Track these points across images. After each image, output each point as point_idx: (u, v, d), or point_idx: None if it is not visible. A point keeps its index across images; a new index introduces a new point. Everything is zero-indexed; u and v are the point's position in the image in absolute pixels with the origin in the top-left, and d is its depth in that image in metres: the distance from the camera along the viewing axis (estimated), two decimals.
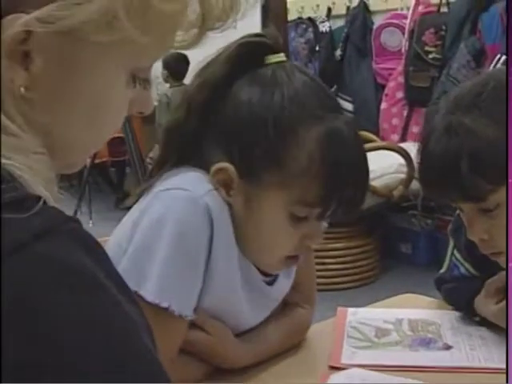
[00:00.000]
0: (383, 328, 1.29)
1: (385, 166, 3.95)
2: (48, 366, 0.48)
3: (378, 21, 4.88)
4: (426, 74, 4.44)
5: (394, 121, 4.69)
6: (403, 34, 4.63)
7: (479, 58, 4.07)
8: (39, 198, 0.53)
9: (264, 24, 4.17)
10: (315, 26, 5.16)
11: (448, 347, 1.21)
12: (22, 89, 0.57)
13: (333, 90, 4.92)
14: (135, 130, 5.10)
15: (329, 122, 1.02)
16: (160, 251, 0.99)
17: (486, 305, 1.24)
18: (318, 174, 1.01)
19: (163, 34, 0.62)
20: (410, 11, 4.57)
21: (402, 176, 3.89)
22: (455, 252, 1.34)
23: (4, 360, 0.47)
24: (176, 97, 5.08)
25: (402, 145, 4.00)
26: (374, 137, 4.33)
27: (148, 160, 4.91)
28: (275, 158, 1.01)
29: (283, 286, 1.19)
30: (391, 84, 4.72)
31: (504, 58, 3.34)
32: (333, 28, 5.13)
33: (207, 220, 1.01)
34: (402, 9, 4.77)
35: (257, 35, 1.07)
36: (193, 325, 1.08)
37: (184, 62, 4.96)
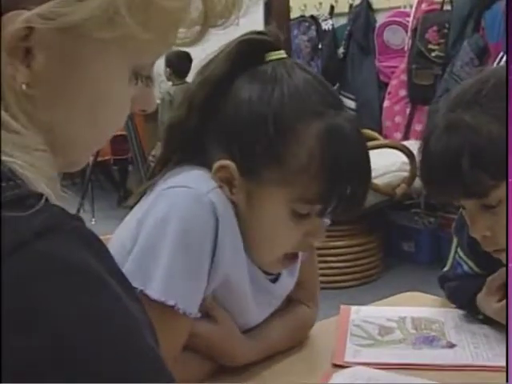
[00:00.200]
0: (386, 326, 1.29)
1: (387, 164, 3.95)
2: (48, 365, 0.48)
3: (380, 19, 4.88)
4: (429, 72, 4.44)
5: (397, 119, 4.68)
6: (406, 31, 4.62)
7: (482, 55, 4.07)
8: (41, 195, 0.52)
9: (266, 22, 4.18)
10: (318, 24, 5.15)
11: (451, 345, 1.21)
12: (24, 85, 0.57)
13: (335, 88, 4.91)
14: (138, 129, 5.10)
15: (329, 118, 1.02)
16: (165, 250, 0.99)
17: (487, 302, 1.24)
18: (318, 170, 1.00)
19: (165, 30, 0.62)
20: (413, 9, 4.57)
21: (405, 174, 3.88)
22: (459, 250, 1.34)
23: (4, 360, 0.47)
24: (178, 95, 5.07)
25: (405, 143, 4.01)
26: (376, 135, 4.33)
27: (150, 158, 4.90)
28: (275, 154, 1.01)
29: (287, 283, 1.19)
30: (394, 82, 4.72)
31: None
32: (335, 26, 5.13)
33: (212, 217, 1.00)
34: (404, 7, 4.76)
35: (258, 32, 1.07)
36: (200, 317, 1.08)
37: (187, 59, 4.96)
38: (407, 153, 3.73)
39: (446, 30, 4.37)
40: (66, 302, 0.49)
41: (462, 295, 1.32)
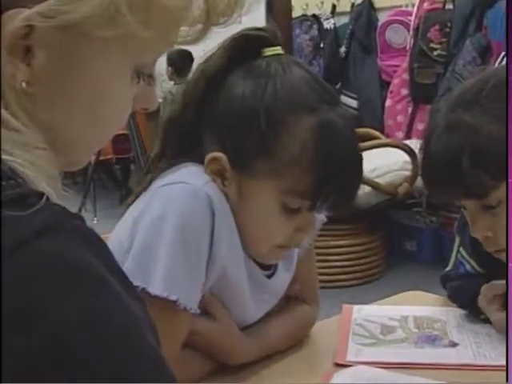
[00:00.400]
0: (388, 325, 1.29)
1: (389, 163, 3.95)
2: (47, 365, 0.47)
3: (382, 18, 4.87)
4: (431, 71, 4.43)
5: (399, 118, 4.68)
6: (408, 30, 4.62)
7: (485, 54, 4.06)
8: (42, 194, 0.52)
9: (268, 21, 4.17)
10: (320, 23, 5.15)
11: (454, 344, 1.21)
12: (24, 84, 0.56)
13: (337, 87, 4.91)
14: (140, 128, 5.11)
15: (323, 113, 1.02)
16: (164, 247, 0.99)
17: (488, 311, 1.23)
18: (308, 164, 1.00)
19: (166, 29, 0.62)
20: (415, 8, 4.57)
21: (407, 173, 3.88)
22: (461, 249, 1.34)
23: (4, 360, 0.46)
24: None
25: (407, 142, 4.00)
26: (378, 134, 4.33)
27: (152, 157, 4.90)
28: (266, 146, 1.01)
29: (283, 279, 1.18)
30: (396, 81, 4.71)
31: None
32: (337, 25, 5.12)
33: (209, 211, 1.01)
34: (406, 6, 4.76)
35: (255, 29, 1.07)
36: (199, 314, 1.08)
37: (189, 58, 4.96)
38: (409, 152, 3.73)
39: (448, 29, 4.36)
40: (66, 302, 0.49)
41: (464, 295, 1.32)
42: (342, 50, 5.01)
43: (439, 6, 4.51)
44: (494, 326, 1.23)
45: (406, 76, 4.62)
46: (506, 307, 1.13)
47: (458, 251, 1.35)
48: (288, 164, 1.01)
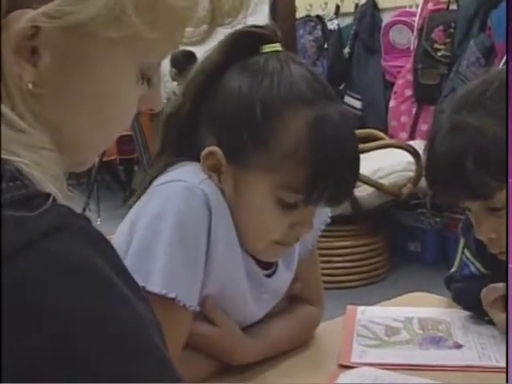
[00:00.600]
0: (393, 326, 1.29)
1: (393, 163, 3.95)
2: (49, 365, 0.47)
3: (386, 18, 4.87)
4: (435, 72, 4.43)
5: (403, 119, 4.68)
6: (412, 31, 4.62)
7: (489, 55, 4.06)
8: (49, 195, 0.52)
9: (272, 21, 4.16)
10: (323, 24, 5.15)
11: (459, 346, 1.20)
12: (30, 85, 0.56)
13: (341, 87, 4.91)
14: (143, 129, 5.10)
15: (319, 108, 1.02)
16: (162, 245, 0.99)
17: (492, 313, 1.23)
18: (304, 158, 1.00)
19: (172, 29, 0.62)
20: (419, 8, 4.56)
21: (411, 174, 3.88)
22: (465, 251, 1.34)
23: (10, 359, 0.46)
24: None
25: (411, 143, 4.00)
26: (382, 135, 4.33)
27: None
28: (262, 139, 1.01)
29: (283, 278, 1.18)
30: (400, 82, 4.71)
31: None
32: (341, 26, 5.12)
33: (206, 208, 1.01)
34: (410, 6, 4.76)
35: (255, 26, 1.07)
36: (200, 317, 1.08)
37: (192, 59, 4.96)
38: (413, 153, 3.72)
39: (452, 30, 4.36)
40: (71, 302, 0.49)
41: (468, 296, 1.31)
42: (346, 50, 5.01)
43: (443, 6, 4.50)
44: (497, 327, 1.23)
45: (409, 77, 4.62)
46: (505, 308, 1.13)
47: (463, 253, 1.35)
48: (283, 157, 1.01)
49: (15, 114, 0.55)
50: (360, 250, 4.06)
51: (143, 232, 1.01)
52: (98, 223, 5.13)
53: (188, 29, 0.63)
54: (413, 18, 4.63)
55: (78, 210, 0.54)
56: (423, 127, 4.45)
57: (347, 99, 4.83)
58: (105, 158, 5.79)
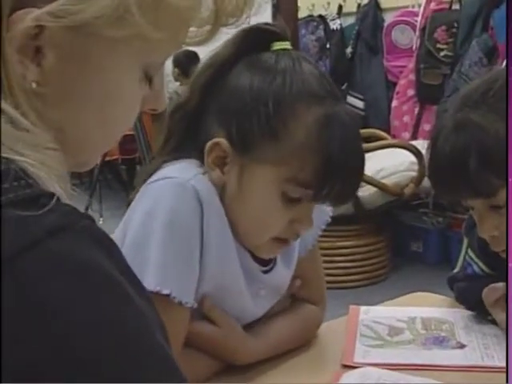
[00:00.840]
0: (396, 326, 1.29)
1: (396, 163, 3.94)
2: (55, 365, 0.47)
3: (388, 18, 4.87)
4: (438, 72, 4.42)
5: (405, 118, 4.67)
6: (414, 31, 4.61)
7: (491, 55, 4.05)
8: (53, 194, 0.52)
9: (275, 21, 4.16)
10: (326, 24, 5.14)
11: (462, 346, 1.20)
12: (34, 84, 0.56)
13: (343, 87, 4.91)
14: (146, 128, 5.10)
15: (329, 106, 1.03)
16: (154, 242, 0.99)
17: (494, 313, 1.23)
18: (312, 153, 1.00)
19: (176, 29, 0.62)
20: (422, 8, 4.56)
21: (413, 174, 3.87)
22: (469, 251, 1.34)
23: (10, 359, 0.46)
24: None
25: (413, 142, 3.99)
26: (384, 134, 4.33)
27: None
28: (272, 130, 1.01)
29: (281, 275, 1.18)
30: (402, 82, 4.70)
31: None
32: (343, 25, 5.12)
33: (197, 203, 1.01)
34: (413, 6, 4.75)
35: (265, 23, 1.08)
36: (200, 317, 1.08)
37: (195, 59, 4.96)
38: (415, 152, 3.72)
39: (454, 30, 4.36)
40: (73, 302, 0.49)
41: (471, 296, 1.31)
42: (349, 50, 5.01)
43: (446, 6, 4.50)
44: (499, 327, 1.23)
45: (412, 77, 4.61)
46: (505, 307, 1.13)
47: (466, 252, 1.35)
48: (292, 151, 1.01)
49: (19, 112, 0.55)
50: (362, 249, 4.06)
51: (135, 230, 1.02)
52: (100, 223, 5.12)
53: (192, 29, 0.63)
54: (415, 18, 4.62)
55: (81, 210, 0.54)
56: (426, 127, 4.45)
57: (350, 99, 4.83)
58: (107, 158, 5.78)
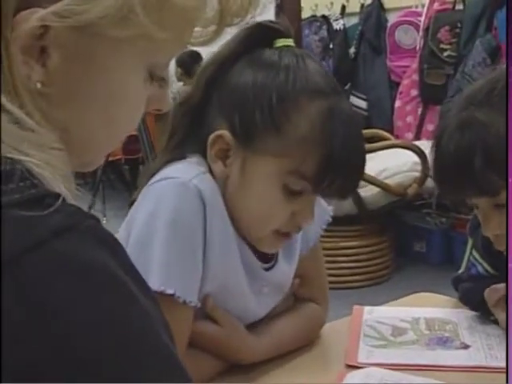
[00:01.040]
0: (400, 327, 1.29)
1: (399, 164, 3.94)
2: (55, 365, 0.47)
3: (392, 18, 4.87)
4: (441, 72, 4.42)
5: (409, 119, 4.67)
6: (418, 31, 4.61)
7: (495, 55, 4.05)
8: (58, 195, 0.52)
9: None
10: (329, 24, 5.14)
11: (466, 346, 1.20)
12: (39, 84, 0.56)
13: (347, 87, 4.91)
14: (149, 129, 5.10)
15: (333, 100, 1.04)
16: (158, 242, 1.00)
17: (496, 313, 1.23)
18: (315, 145, 1.01)
19: (180, 29, 0.62)
20: (425, 8, 4.55)
21: (417, 174, 3.87)
22: (473, 251, 1.34)
23: (10, 359, 0.46)
24: None
25: (417, 143, 3.99)
26: (388, 135, 4.33)
27: None
28: (275, 122, 1.02)
29: (283, 272, 1.18)
30: (405, 82, 4.70)
31: None
32: (347, 26, 5.12)
33: (200, 202, 1.01)
34: (416, 6, 4.75)
35: (269, 21, 1.08)
36: (203, 316, 1.08)
37: (198, 59, 4.96)
38: (419, 153, 3.72)
39: (458, 30, 4.35)
40: (74, 303, 0.49)
41: (475, 297, 1.31)
42: (352, 50, 5.01)
43: (449, 6, 4.49)
44: (500, 326, 1.23)
45: (415, 77, 4.61)
46: (506, 307, 1.13)
47: (471, 253, 1.35)
48: (295, 143, 1.01)
49: (23, 112, 0.55)
50: (365, 250, 4.05)
51: (139, 230, 1.02)
52: (103, 223, 5.10)
53: (196, 29, 0.63)
54: (419, 18, 4.62)
55: (84, 210, 0.54)
56: (429, 127, 4.44)
57: (353, 99, 4.83)
58: (110, 158, 5.78)
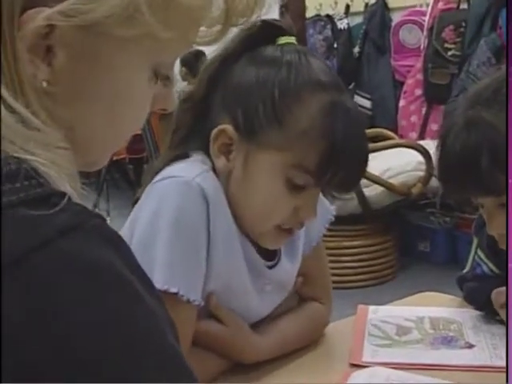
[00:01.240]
0: (404, 326, 1.29)
1: (403, 163, 3.94)
2: (55, 365, 0.48)
3: (396, 18, 4.86)
4: (445, 71, 4.41)
5: (413, 118, 4.66)
6: (422, 30, 4.60)
7: (500, 54, 4.04)
8: (64, 194, 0.52)
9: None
10: (333, 23, 5.14)
11: (470, 346, 1.20)
12: (45, 83, 0.57)
13: (351, 87, 4.91)
14: (153, 128, 5.11)
15: (335, 94, 1.04)
16: (161, 241, 1.00)
17: (502, 313, 1.23)
18: (317, 139, 1.01)
19: (186, 29, 0.62)
20: (429, 8, 4.55)
21: (421, 174, 3.87)
22: (478, 251, 1.34)
23: (10, 359, 0.46)
24: None
25: (421, 142, 3.98)
26: (392, 134, 4.32)
27: None
28: (277, 116, 1.02)
29: (286, 270, 1.18)
30: (410, 81, 4.70)
31: None
32: (351, 25, 5.11)
33: (203, 201, 1.02)
34: (420, 5, 4.74)
35: (272, 19, 1.09)
36: (206, 315, 1.08)
37: (203, 58, 4.95)
38: (423, 152, 3.72)
39: (462, 29, 4.34)
40: (75, 303, 0.49)
41: (480, 296, 1.31)
42: (356, 50, 5.00)
43: (454, 5, 4.49)
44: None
45: (419, 76, 4.60)
46: (506, 303, 1.13)
47: (476, 253, 1.34)
48: (297, 137, 1.02)
49: (29, 111, 0.55)
50: (369, 249, 4.05)
51: (142, 229, 1.02)
52: (107, 222, 5.13)
53: (202, 28, 0.63)
54: (423, 18, 4.61)
55: (90, 209, 0.54)
56: (433, 127, 4.44)
57: (357, 98, 4.82)
58: (114, 157, 5.79)
